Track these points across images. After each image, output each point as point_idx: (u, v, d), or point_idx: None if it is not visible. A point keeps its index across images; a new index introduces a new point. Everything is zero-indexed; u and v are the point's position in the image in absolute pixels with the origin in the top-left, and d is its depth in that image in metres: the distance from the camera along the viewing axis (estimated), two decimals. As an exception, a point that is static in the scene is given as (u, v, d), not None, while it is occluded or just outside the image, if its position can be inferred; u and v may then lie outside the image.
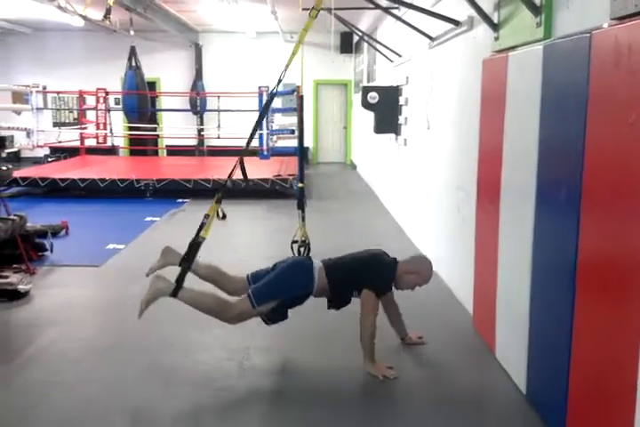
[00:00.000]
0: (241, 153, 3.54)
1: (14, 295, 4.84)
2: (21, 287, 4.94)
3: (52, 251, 6.19)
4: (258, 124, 3.73)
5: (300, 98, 5.19)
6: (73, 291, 5.21)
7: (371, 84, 10.99)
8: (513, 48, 3.61)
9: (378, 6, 6.75)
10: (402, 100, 7.56)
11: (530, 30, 3.38)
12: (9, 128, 12.85)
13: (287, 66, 3.62)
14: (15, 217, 5.29)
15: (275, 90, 3.71)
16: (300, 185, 5.19)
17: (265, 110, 3.91)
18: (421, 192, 6.49)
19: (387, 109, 7.64)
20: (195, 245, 3.50)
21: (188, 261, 3.55)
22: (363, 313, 3.54)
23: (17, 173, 9.60)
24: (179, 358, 3.81)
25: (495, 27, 4.02)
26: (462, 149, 4.83)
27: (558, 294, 2.82)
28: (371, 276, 3.60)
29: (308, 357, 3.87)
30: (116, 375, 3.57)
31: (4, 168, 5.18)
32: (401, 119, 7.61)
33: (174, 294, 3.49)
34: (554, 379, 2.88)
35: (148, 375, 3.57)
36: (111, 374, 3.58)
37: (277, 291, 3.57)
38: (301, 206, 5.11)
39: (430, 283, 3.80)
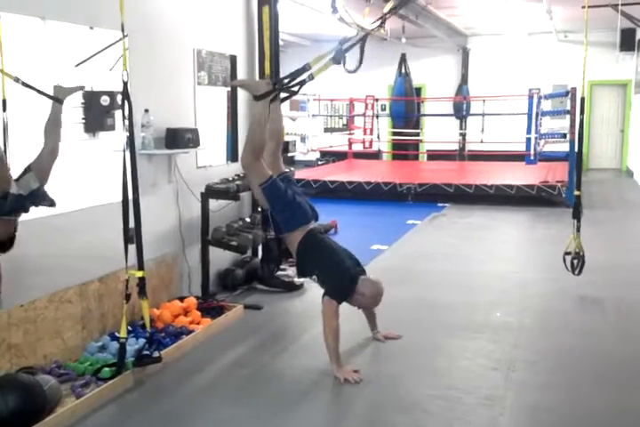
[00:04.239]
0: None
1: (291, 287, 5.27)
2: (297, 280, 5.34)
3: (322, 248, 6.59)
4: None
5: (581, 100, 4.86)
6: (341, 286, 5.48)
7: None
8: None
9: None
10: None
11: None
12: (287, 134, 13.99)
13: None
14: (294, 215, 5.69)
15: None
16: (577, 193, 4.85)
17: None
18: None
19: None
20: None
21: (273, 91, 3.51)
22: (324, 319, 3.62)
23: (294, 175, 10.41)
24: (444, 362, 3.80)
25: None
26: None
27: None
28: (333, 286, 3.66)
29: (573, 375, 3.60)
30: (386, 373, 3.68)
31: (287, 170, 5.61)
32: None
33: (259, 97, 3.52)
34: None
35: (419, 375, 3.62)
36: (382, 372, 3.71)
37: (278, 203, 3.69)
38: (577, 216, 4.78)
39: None
